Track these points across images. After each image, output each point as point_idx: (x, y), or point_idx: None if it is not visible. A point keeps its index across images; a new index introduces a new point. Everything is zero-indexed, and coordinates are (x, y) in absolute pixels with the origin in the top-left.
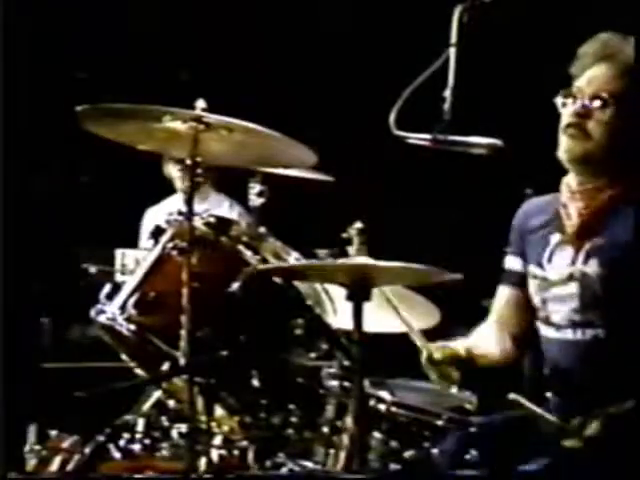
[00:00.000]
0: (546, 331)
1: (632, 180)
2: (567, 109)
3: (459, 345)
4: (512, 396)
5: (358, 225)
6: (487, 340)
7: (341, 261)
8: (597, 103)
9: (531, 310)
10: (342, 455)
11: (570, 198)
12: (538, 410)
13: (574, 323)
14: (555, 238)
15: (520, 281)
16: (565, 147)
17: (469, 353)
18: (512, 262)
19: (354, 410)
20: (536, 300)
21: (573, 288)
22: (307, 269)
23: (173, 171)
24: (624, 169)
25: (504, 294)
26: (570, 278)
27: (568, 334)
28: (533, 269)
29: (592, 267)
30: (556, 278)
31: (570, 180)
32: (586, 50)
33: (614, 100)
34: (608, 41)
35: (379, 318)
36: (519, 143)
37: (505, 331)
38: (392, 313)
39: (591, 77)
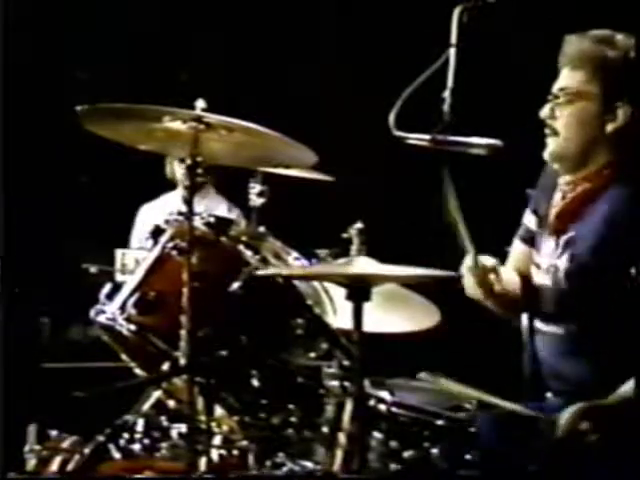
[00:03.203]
0: (535, 322)
1: (609, 174)
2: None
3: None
4: (423, 375)
5: (358, 225)
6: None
7: (340, 263)
8: (561, 100)
9: None
10: (339, 455)
11: (556, 191)
12: (466, 390)
13: (549, 315)
14: (546, 228)
15: (531, 242)
16: (546, 147)
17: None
18: (529, 219)
19: (352, 410)
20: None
21: (548, 280)
22: (307, 274)
23: (178, 171)
24: (599, 165)
25: (517, 248)
26: (548, 270)
27: (549, 327)
28: (534, 253)
29: (562, 261)
30: (542, 268)
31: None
32: (563, 51)
33: (577, 97)
34: (582, 44)
35: (379, 318)
36: (519, 143)
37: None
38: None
39: (561, 77)
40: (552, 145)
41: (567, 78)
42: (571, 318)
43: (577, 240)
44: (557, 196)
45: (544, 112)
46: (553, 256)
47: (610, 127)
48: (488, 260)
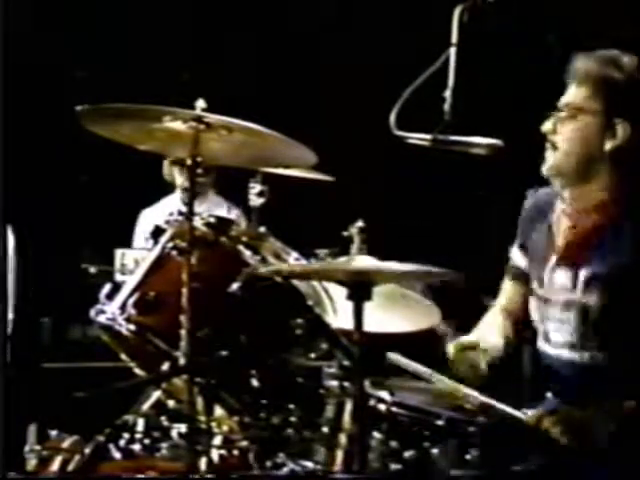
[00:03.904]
0: (544, 346)
1: (622, 205)
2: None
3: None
4: (391, 356)
5: (359, 224)
6: (492, 330)
7: (341, 260)
8: (564, 115)
9: None
10: (339, 455)
11: (561, 214)
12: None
13: (572, 345)
14: (553, 259)
15: (523, 278)
16: (545, 162)
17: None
18: (517, 257)
19: (352, 410)
20: (535, 316)
21: (572, 315)
22: (307, 272)
23: (177, 172)
24: (600, 182)
25: (508, 288)
26: (569, 305)
27: (565, 354)
28: (534, 285)
29: (592, 297)
30: (555, 301)
31: (563, 193)
32: (570, 67)
33: (579, 112)
34: (588, 63)
35: (379, 318)
36: (519, 143)
37: (509, 319)
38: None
39: (567, 93)
40: (551, 159)
41: (572, 94)
42: (596, 347)
43: (606, 274)
44: (564, 222)
45: (546, 127)
46: (572, 293)
47: (609, 145)
48: (466, 338)
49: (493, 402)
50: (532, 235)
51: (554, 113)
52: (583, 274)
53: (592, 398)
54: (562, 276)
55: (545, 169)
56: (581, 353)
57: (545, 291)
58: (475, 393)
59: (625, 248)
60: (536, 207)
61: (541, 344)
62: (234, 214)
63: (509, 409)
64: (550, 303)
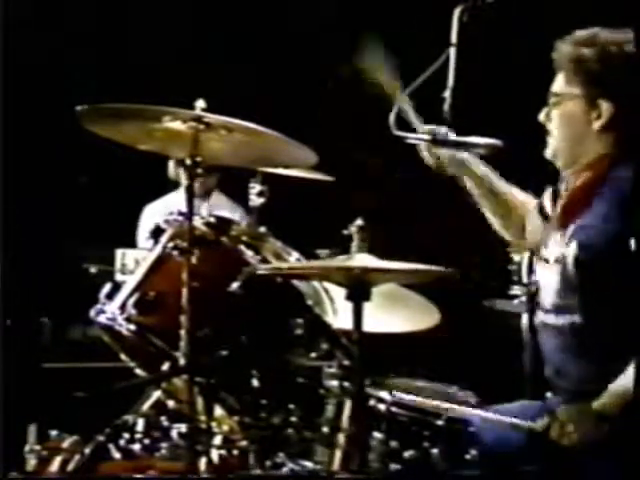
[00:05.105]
0: (537, 315)
1: (608, 161)
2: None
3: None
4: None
5: (359, 222)
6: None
7: (340, 259)
8: (551, 103)
9: None
10: (338, 454)
11: (559, 184)
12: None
13: (556, 308)
14: (553, 223)
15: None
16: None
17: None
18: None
19: (351, 410)
20: (539, 278)
21: (555, 271)
22: (307, 272)
23: (182, 173)
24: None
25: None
26: (556, 261)
27: (551, 319)
28: (541, 249)
29: (570, 250)
30: (549, 261)
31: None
32: (558, 50)
33: (562, 99)
34: (562, 48)
35: (379, 318)
36: (519, 143)
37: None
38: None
39: (556, 79)
40: (549, 145)
41: (555, 82)
42: (576, 309)
43: (584, 227)
44: (562, 188)
45: (541, 116)
46: (561, 246)
47: (596, 125)
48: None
49: (498, 417)
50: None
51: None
52: (569, 232)
53: (577, 364)
54: (555, 236)
55: (546, 153)
56: (563, 316)
57: (544, 252)
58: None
59: (607, 203)
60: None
61: (536, 314)
62: (238, 214)
63: (514, 420)
64: (546, 264)
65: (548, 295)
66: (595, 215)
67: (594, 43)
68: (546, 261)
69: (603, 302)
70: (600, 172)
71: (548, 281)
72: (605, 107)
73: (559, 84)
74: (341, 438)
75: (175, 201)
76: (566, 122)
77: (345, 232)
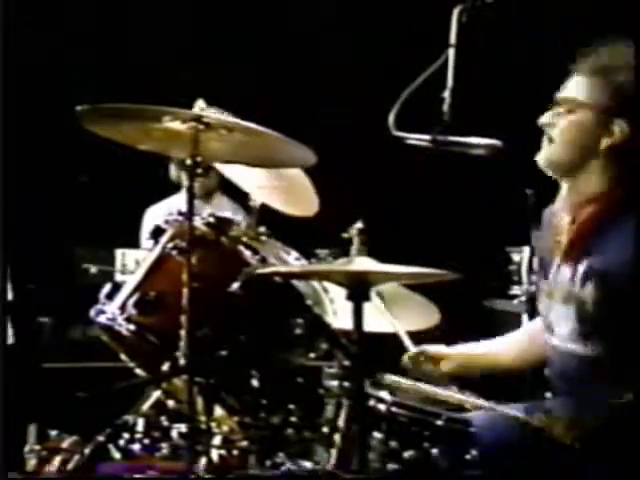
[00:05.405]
0: (549, 338)
1: (617, 196)
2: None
3: (458, 349)
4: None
5: (358, 225)
6: (508, 345)
7: (340, 262)
8: (562, 108)
9: None
10: (333, 454)
11: (561, 210)
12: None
13: (574, 337)
14: (558, 257)
15: None
16: (540, 151)
17: (468, 356)
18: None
19: (350, 410)
20: (542, 307)
21: (571, 310)
22: (307, 272)
23: (184, 174)
24: (594, 177)
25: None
26: (569, 298)
27: (568, 345)
28: (541, 282)
29: (588, 292)
30: (557, 295)
31: (563, 188)
32: (576, 60)
33: (577, 107)
34: (593, 57)
35: (379, 318)
36: (519, 143)
37: (533, 343)
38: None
39: (567, 87)
40: (545, 151)
41: (572, 88)
42: (593, 339)
43: (601, 268)
44: (565, 219)
45: (543, 119)
46: (571, 286)
47: (605, 142)
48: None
49: (492, 405)
50: (541, 244)
51: (553, 106)
52: (581, 268)
53: (590, 390)
54: (565, 271)
55: (540, 159)
56: (582, 345)
57: (549, 286)
58: (478, 400)
59: (621, 242)
60: (544, 223)
61: (547, 336)
62: (240, 215)
63: (511, 410)
64: (553, 297)
65: (561, 326)
66: (609, 251)
67: (627, 63)
68: (550, 296)
69: (625, 335)
70: (608, 207)
71: (561, 316)
72: (620, 127)
73: (578, 91)
74: (337, 438)
75: (177, 203)
76: (574, 131)
77: (345, 235)
